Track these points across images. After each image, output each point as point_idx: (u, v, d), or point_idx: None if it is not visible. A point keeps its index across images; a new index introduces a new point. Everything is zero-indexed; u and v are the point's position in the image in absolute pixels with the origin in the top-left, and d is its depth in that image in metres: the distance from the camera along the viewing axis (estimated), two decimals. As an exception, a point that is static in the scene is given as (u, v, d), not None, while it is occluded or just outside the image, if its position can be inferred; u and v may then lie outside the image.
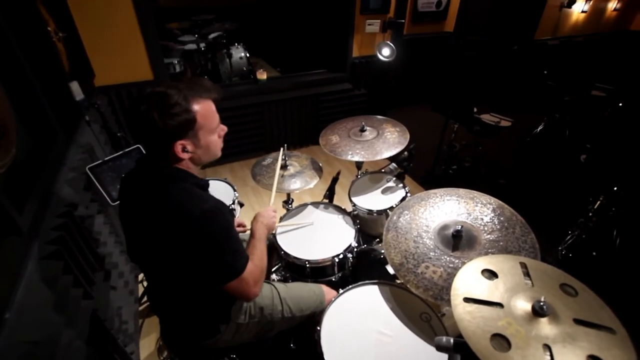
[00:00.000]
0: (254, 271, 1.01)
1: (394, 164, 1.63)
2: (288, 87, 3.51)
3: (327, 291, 1.31)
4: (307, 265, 1.37)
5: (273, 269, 1.73)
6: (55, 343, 0.99)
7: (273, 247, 1.60)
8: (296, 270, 1.43)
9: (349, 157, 1.63)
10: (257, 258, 1.08)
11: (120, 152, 1.53)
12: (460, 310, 0.86)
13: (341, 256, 1.40)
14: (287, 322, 1.23)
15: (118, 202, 1.11)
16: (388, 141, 1.68)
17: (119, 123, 2.55)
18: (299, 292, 1.27)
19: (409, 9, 4.60)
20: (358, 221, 1.56)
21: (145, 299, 2.05)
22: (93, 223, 1.61)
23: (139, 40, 2.60)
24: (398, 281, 1.35)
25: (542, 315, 0.81)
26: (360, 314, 1.16)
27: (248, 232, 1.57)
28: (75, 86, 1.53)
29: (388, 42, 3.41)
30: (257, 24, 5.76)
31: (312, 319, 1.25)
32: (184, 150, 0.92)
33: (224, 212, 0.93)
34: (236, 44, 4.56)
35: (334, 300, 1.19)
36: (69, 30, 1.86)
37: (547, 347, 0.76)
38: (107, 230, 1.79)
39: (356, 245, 1.45)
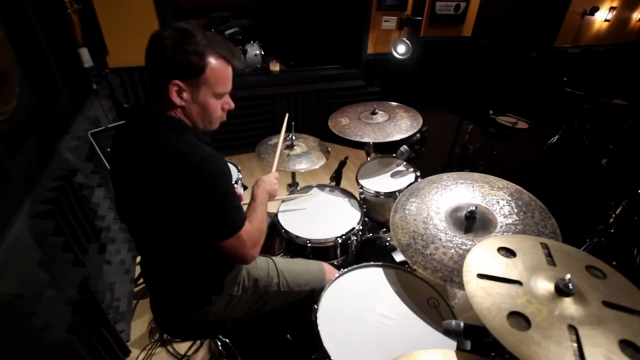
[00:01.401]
0: (252, 232, 0.95)
1: (405, 146, 1.55)
2: (300, 81, 3.48)
3: (328, 269, 1.23)
4: (309, 245, 1.30)
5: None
6: (37, 301, 0.94)
7: (275, 229, 1.53)
8: (297, 251, 1.36)
9: (358, 138, 1.56)
10: (257, 220, 1.03)
11: (124, 122, 1.49)
12: (473, 286, 0.78)
13: (344, 238, 1.32)
14: (282, 297, 1.15)
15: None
16: (399, 124, 1.61)
17: (127, 96, 2.53)
18: (298, 267, 1.20)
19: (427, 11, 4.56)
20: (364, 205, 1.48)
21: (141, 280, 2.00)
22: (92, 194, 1.58)
23: (155, 22, 2.60)
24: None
25: (567, 295, 0.72)
26: (362, 296, 1.08)
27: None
28: (85, 53, 1.51)
29: (404, 39, 3.36)
30: (273, 22, 5.79)
31: (310, 300, 1.17)
32: (179, 94, 0.86)
33: (224, 163, 0.87)
34: (252, 42, 4.58)
35: (335, 279, 1.11)
36: (85, 2, 1.86)
37: (573, 329, 0.67)
38: (107, 204, 1.75)
39: (361, 228, 1.37)
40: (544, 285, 0.76)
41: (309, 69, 3.66)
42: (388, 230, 1.67)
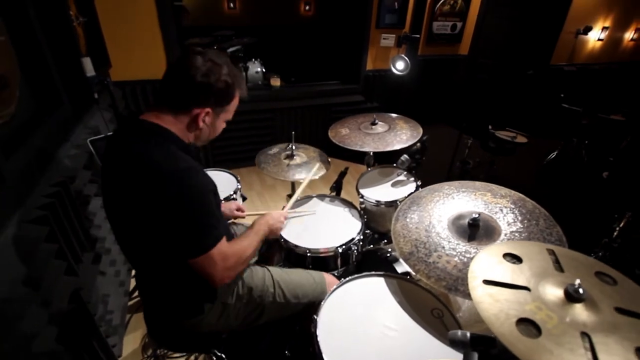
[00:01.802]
0: (227, 254, 0.92)
1: (405, 156, 1.54)
2: (300, 96, 3.52)
3: (330, 280, 1.19)
4: (308, 255, 1.27)
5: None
6: (26, 307, 0.90)
7: (274, 241, 1.50)
8: (296, 261, 1.32)
9: (358, 148, 1.55)
10: (240, 246, 1.01)
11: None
12: (480, 292, 0.75)
13: (345, 248, 1.29)
14: (278, 309, 1.11)
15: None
16: (399, 135, 1.60)
17: (128, 109, 2.54)
18: (296, 278, 1.16)
19: (424, 30, 4.67)
20: (365, 215, 1.46)
21: (136, 293, 1.95)
22: (89, 202, 1.56)
23: (159, 40, 2.66)
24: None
25: (578, 300, 0.69)
26: (364, 307, 1.04)
27: (244, 221, 1.48)
28: (87, 62, 1.53)
29: (403, 55, 3.42)
30: (274, 40, 5.93)
31: (310, 313, 1.13)
32: (204, 120, 0.92)
33: (202, 178, 0.86)
34: (253, 59, 4.69)
35: (335, 289, 1.08)
36: (90, 16, 1.90)
37: (586, 336, 0.64)
38: (103, 214, 1.72)
39: (361, 238, 1.34)
40: (553, 292, 0.73)
41: (309, 84, 3.71)
42: (389, 242, 1.64)
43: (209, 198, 0.87)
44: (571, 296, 0.69)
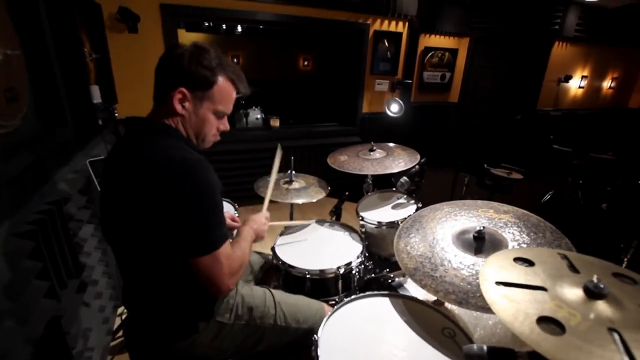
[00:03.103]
0: (232, 257, 0.87)
1: (405, 178, 1.54)
2: (300, 136, 3.62)
3: (329, 310, 1.11)
4: (307, 277, 1.20)
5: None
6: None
7: (270, 266, 1.44)
8: (295, 285, 1.25)
9: (357, 172, 1.56)
10: (240, 250, 0.96)
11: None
12: (493, 294, 0.70)
13: (346, 270, 1.23)
14: (279, 334, 1.01)
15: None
16: (397, 160, 1.62)
17: None
18: (297, 302, 1.08)
19: (416, 79, 4.98)
20: (366, 240, 1.41)
21: (120, 333, 1.80)
22: (80, 228, 1.51)
23: None
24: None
25: (599, 297, 0.64)
26: (368, 326, 0.96)
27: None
28: (95, 90, 1.58)
29: (397, 98, 3.59)
30: (274, 90, 6.27)
31: (309, 340, 1.04)
32: (181, 102, 0.88)
33: (210, 171, 0.84)
34: (253, 107, 4.92)
35: (337, 308, 1.00)
36: (103, 54, 2.02)
37: (615, 332, 0.58)
38: (94, 243, 1.66)
39: (363, 260, 1.29)
40: (572, 291, 0.68)
41: (308, 125, 3.84)
42: (392, 270, 1.56)
43: (218, 195, 0.85)
44: (592, 292, 0.65)
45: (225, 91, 0.93)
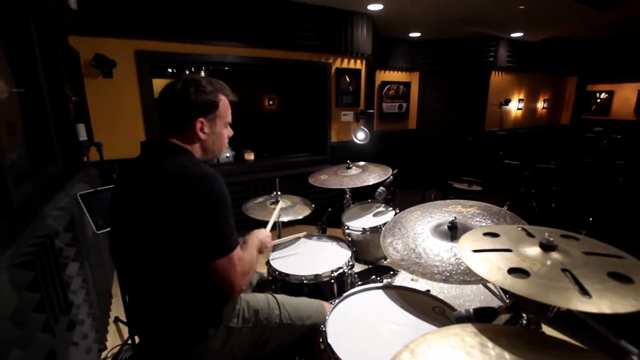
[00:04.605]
0: (243, 259, 0.97)
1: (382, 187, 1.70)
2: (273, 168, 3.74)
3: (328, 307, 1.18)
4: (305, 282, 1.27)
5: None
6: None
7: (265, 285, 1.49)
8: (292, 292, 1.31)
9: (337, 186, 1.70)
10: (248, 253, 1.07)
11: (112, 186, 1.52)
12: (472, 259, 0.84)
13: (340, 273, 1.32)
14: (285, 332, 1.06)
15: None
16: (372, 173, 1.79)
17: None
18: (298, 302, 1.15)
19: (377, 109, 5.40)
20: (354, 248, 1.52)
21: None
22: (67, 265, 1.48)
23: (141, 128, 2.87)
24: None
25: (552, 249, 0.80)
26: (367, 313, 1.05)
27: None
28: (81, 128, 1.62)
29: (362, 127, 3.88)
30: (245, 128, 6.43)
31: (314, 337, 1.10)
32: (202, 129, 1.00)
33: (224, 183, 0.94)
34: (222, 146, 5.01)
35: (338, 302, 1.09)
36: (81, 97, 2.07)
37: (567, 271, 0.73)
38: (79, 281, 1.62)
39: (353, 264, 1.39)
40: (531, 249, 0.84)
41: (281, 156, 3.98)
42: (378, 275, 1.67)
43: (230, 204, 0.94)
44: (546, 246, 0.81)
45: (226, 105, 1.10)
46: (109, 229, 1.43)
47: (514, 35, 5.12)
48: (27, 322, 0.97)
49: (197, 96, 0.99)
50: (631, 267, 0.74)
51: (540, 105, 6.32)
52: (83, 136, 1.67)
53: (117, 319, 2.15)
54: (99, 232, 1.45)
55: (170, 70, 6.01)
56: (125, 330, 2.11)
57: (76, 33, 2.37)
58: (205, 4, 2.98)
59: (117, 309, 2.31)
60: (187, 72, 6.12)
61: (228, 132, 1.13)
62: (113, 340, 2.04)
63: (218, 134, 1.06)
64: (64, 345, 1.28)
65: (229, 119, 1.11)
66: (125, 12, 2.58)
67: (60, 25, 1.69)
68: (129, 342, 1.88)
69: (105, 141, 2.63)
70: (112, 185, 1.59)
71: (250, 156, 3.59)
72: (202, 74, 6.19)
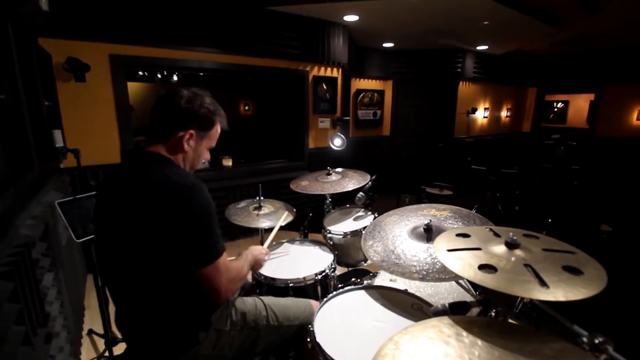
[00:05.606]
0: (229, 267, 1.00)
1: (361, 193, 1.77)
2: (251, 174, 3.74)
3: (315, 304, 1.23)
4: (290, 285, 1.32)
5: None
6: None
7: (252, 287, 1.52)
8: (278, 296, 1.35)
9: (319, 192, 1.76)
10: (237, 264, 1.10)
11: (92, 193, 1.49)
12: (447, 258, 0.92)
13: (323, 275, 1.37)
14: (273, 333, 1.10)
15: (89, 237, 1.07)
16: (351, 179, 1.87)
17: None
18: (285, 302, 1.19)
19: (352, 116, 5.53)
20: (336, 252, 1.58)
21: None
22: (43, 275, 1.44)
23: (115, 135, 2.79)
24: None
25: (515, 247, 0.90)
26: (352, 312, 1.12)
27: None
28: (58, 134, 1.57)
29: (339, 133, 3.97)
30: (222, 133, 6.36)
31: (303, 335, 1.14)
32: (188, 141, 1.02)
33: (208, 192, 0.96)
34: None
35: (323, 303, 1.14)
36: (54, 102, 2.00)
37: (528, 266, 0.83)
38: (55, 292, 1.57)
39: (335, 267, 1.45)
40: (497, 247, 0.94)
41: (259, 163, 4.00)
42: (359, 277, 1.74)
43: (215, 213, 0.96)
44: (510, 245, 0.91)
45: (217, 130, 1.12)
46: (89, 237, 1.40)
47: (479, 47, 5.45)
48: (9, 334, 0.95)
49: (199, 109, 1.02)
50: (582, 261, 0.85)
51: (504, 113, 6.74)
52: (59, 142, 1.62)
53: (91, 331, 2.08)
54: (79, 240, 1.41)
55: (141, 73, 5.88)
56: (99, 343, 2.04)
57: (47, 35, 2.30)
58: (184, 10, 2.97)
59: (90, 321, 2.23)
60: (159, 76, 6.02)
61: (206, 155, 1.15)
62: (87, 354, 1.97)
63: (199, 152, 1.08)
64: (43, 359, 1.25)
65: (213, 144, 1.13)
66: (99, 15, 2.52)
67: (32, 28, 1.64)
68: (106, 354, 1.83)
69: (79, 147, 2.57)
70: (92, 193, 1.57)
71: (228, 162, 3.58)
72: (175, 78, 6.10)
